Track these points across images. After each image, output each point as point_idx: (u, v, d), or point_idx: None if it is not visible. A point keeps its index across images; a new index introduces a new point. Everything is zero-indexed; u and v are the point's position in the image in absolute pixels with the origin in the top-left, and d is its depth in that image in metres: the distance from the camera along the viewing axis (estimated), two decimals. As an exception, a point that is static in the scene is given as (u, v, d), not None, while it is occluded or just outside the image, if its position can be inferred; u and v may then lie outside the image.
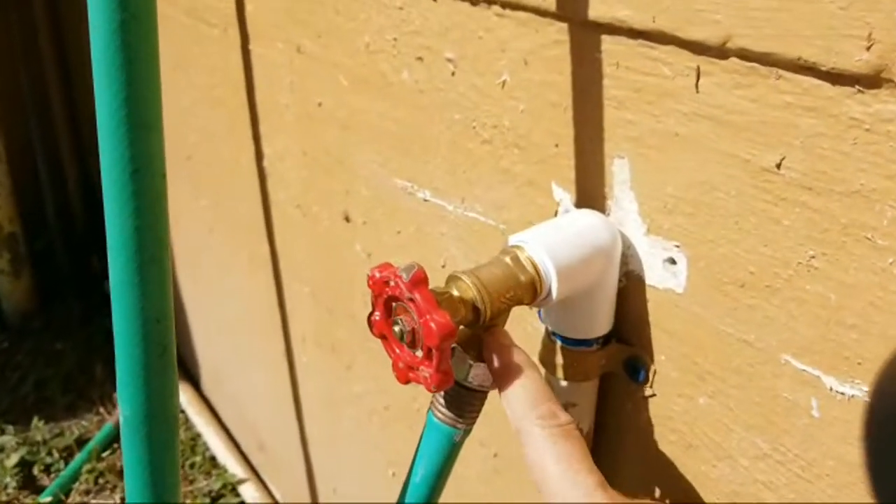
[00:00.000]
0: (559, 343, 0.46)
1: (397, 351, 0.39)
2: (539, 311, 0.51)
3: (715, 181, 0.38)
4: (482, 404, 0.42)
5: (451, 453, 0.42)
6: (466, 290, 0.39)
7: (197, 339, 1.58)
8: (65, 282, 2.01)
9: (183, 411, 1.60)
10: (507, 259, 0.41)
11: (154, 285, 0.33)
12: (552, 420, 0.34)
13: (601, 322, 0.45)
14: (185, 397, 1.61)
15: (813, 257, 0.35)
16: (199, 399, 1.61)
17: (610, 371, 0.48)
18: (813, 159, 0.33)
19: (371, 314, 0.40)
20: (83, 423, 1.67)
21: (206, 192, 1.23)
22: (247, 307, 1.21)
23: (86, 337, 1.88)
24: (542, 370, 0.48)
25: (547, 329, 0.47)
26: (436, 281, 0.38)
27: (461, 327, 0.39)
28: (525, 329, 0.56)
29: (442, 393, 0.41)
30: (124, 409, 0.34)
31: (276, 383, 1.17)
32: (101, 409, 1.69)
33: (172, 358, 0.35)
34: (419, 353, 0.38)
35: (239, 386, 1.40)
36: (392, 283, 0.37)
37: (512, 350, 0.37)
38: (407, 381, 0.39)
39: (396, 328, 0.38)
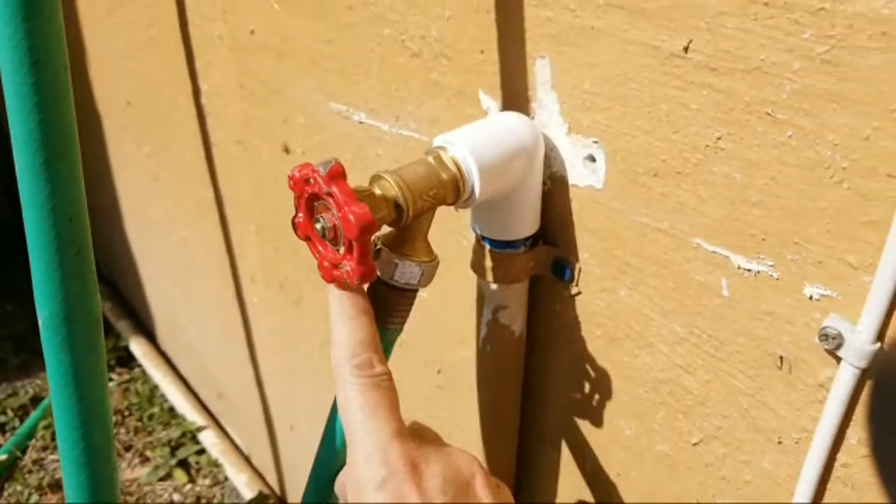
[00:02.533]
0: (488, 247, 0.47)
1: (321, 250, 0.39)
2: (471, 222, 0.51)
3: (629, 72, 0.39)
4: (411, 304, 0.43)
5: (385, 352, 0.43)
6: (389, 188, 0.39)
7: (149, 292, 1.57)
8: (11, 242, 1.96)
9: (139, 364, 1.59)
10: (430, 159, 0.41)
11: (64, 182, 0.33)
12: (367, 370, 0.34)
13: (527, 223, 0.46)
14: (141, 350, 1.60)
15: (719, 138, 0.36)
16: (156, 351, 1.60)
17: (538, 273, 0.49)
18: (717, 39, 0.34)
19: (294, 216, 0.40)
20: (37, 381, 1.65)
21: (148, 138, 1.20)
22: (196, 253, 1.20)
23: (36, 296, 1.85)
24: (474, 274, 0.49)
25: (476, 234, 0.48)
26: None
27: (385, 226, 0.40)
28: (460, 243, 0.57)
29: (372, 294, 0.42)
30: (42, 311, 0.34)
31: (229, 327, 1.17)
32: (56, 367, 1.68)
33: (89, 257, 0.35)
34: (341, 251, 0.38)
35: (194, 335, 1.39)
36: (311, 181, 0.37)
37: (350, 294, 0.38)
38: (332, 280, 0.39)
39: (318, 225, 0.38)
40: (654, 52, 0.37)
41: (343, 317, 0.37)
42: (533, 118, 0.45)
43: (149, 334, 1.65)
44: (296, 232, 0.41)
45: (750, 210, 0.36)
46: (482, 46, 0.47)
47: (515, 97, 0.46)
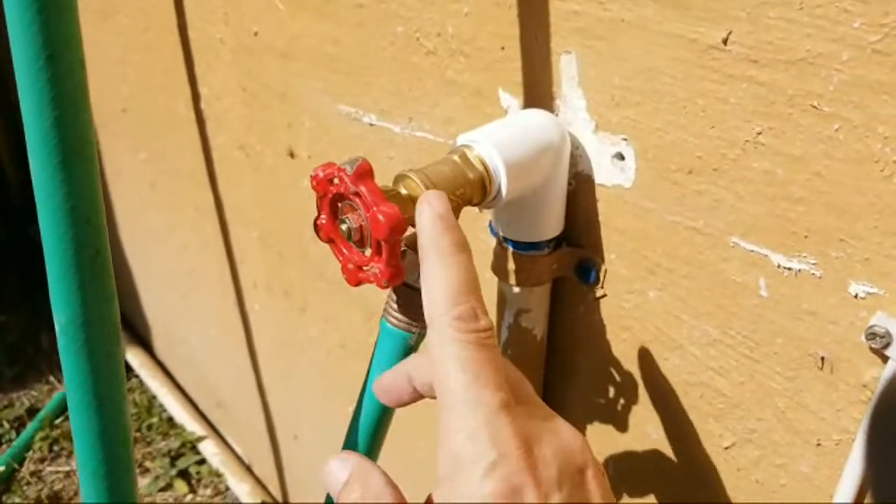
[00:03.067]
0: (511, 249, 0.46)
1: (346, 252, 0.38)
2: (490, 224, 0.50)
3: (661, 66, 0.37)
4: None
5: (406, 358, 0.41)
6: (415, 188, 0.38)
7: (146, 301, 1.54)
8: (4, 254, 1.94)
9: (137, 375, 1.57)
10: (456, 157, 0.40)
11: (81, 183, 0.31)
12: (471, 323, 0.29)
13: (551, 224, 0.45)
14: (138, 361, 1.57)
15: (759, 133, 0.35)
16: (153, 362, 1.58)
17: (561, 275, 0.47)
18: (759, 30, 0.33)
19: (317, 218, 0.39)
20: (33, 393, 1.62)
21: (145, 145, 1.18)
22: (195, 261, 1.18)
23: (30, 308, 1.82)
24: (494, 277, 0.48)
25: (498, 236, 0.47)
26: None
27: (410, 227, 0.39)
28: (477, 246, 0.55)
29: (395, 298, 0.41)
30: (59, 317, 0.33)
31: (230, 335, 1.15)
32: (52, 378, 1.65)
33: (107, 260, 0.33)
34: (368, 252, 0.37)
35: (193, 344, 1.37)
36: (336, 181, 0.36)
37: (446, 223, 0.31)
38: (357, 283, 0.38)
39: (344, 227, 0.37)
40: (689, 45, 0.36)
41: (440, 253, 0.30)
42: (557, 115, 0.44)
43: (146, 344, 1.62)
44: (318, 234, 0.39)
45: (792, 207, 0.35)
46: (503, 42, 0.46)
47: (538, 95, 0.45)
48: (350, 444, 0.45)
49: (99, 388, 0.34)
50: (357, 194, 0.35)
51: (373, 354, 0.42)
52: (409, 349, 0.41)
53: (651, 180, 0.40)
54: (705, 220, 0.39)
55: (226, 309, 1.12)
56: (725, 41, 0.34)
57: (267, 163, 0.83)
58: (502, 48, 0.46)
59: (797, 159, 0.34)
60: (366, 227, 0.36)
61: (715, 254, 0.39)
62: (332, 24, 0.60)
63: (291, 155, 0.77)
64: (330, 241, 0.39)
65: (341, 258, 0.38)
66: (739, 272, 0.38)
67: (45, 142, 0.30)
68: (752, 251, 0.37)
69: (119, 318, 0.35)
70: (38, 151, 0.30)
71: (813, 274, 0.35)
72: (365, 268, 0.37)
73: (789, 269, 0.36)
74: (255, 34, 0.73)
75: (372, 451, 0.44)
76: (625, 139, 0.41)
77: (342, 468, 0.30)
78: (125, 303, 1.70)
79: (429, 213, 0.31)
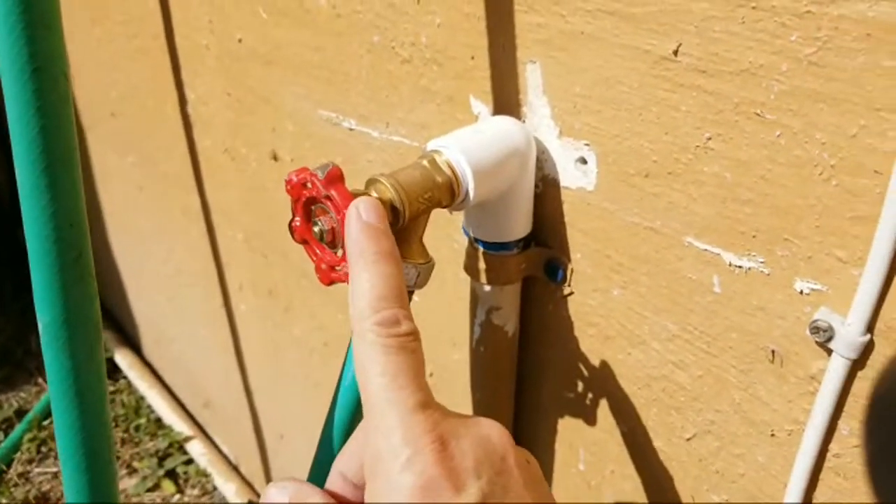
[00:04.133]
0: (481, 249, 0.48)
1: (319, 253, 0.40)
2: (463, 225, 0.52)
3: (619, 76, 0.39)
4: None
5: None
6: (385, 191, 0.40)
7: (134, 303, 1.56)
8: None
9: (125, 376, 1.58)
10: (425, 162, 0.42)
11: (65, 188, 0.33)
12: (392, 328, 0.29)
13: (520, 225, 0.47)
14: (127, 362, 1.58)
15: (709, 139, 0.37)
16: (141, 362, 1.59)
17: (531, 275, 0.49)
18: (706, 42, 0.35)
19: (291, 220, 0.40)
20: (21, 394, 1.63)
21: (133, 148, 1.20)
22: (182, 263, 1.19)
23: (19, 310, 1.82)
24: (467, 276, 0.50)
25: (469, 237, 0.49)
26: None
27: None
28: (451, 246, 0.57)
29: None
30: (43, 317, 0.34)
31: (216, 337, 1.17)
32: (40, 380, 1.66)
33: (89, 262, 0.35)
34: (340, 253, 0.38)
35: (181, 345, 1.38)
36: (309, 185, 0.38)
37: (373, 231, 0.32)
38: (330, 282, 0.40)
39: (316, 228, 0.38)
40: (644, 56, 0.38)
41: (364, 259, 0.31)
42: (524, 122, 0.46)
43: (133, 345, 1.63)
44: (293, 236, 0.41)
45: (740, 208, 0.37)
46: (472, 52, 0.48)
47: (506, 102, 0.47)
48: (325, 443, 0.46)
49: (80, 385, 0.35)
50: (328, 198, 0.37)
51: (347, 351, 0.44)
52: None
53: (612, 183, 0.42)
54: (662, 221, 0.41)
55: (212, 310, 1.14)
56: (676, 52, 0.36)
57: (252, 166, 0.85)
58: (472, 58, 0.48)
59: (744, 163, 0.36)
60: (337, 229, 0.37)
61: (671, 253, 0.41)
62: (312, 32, 0.62)
63: (275, 158, 0.79)
64: (304, 242, 0.41)
65: (315, 258, 0.40)
66: (694, 270, 0.40)
67: (31, 149, 0.32)
68: (706, 250, 0.39)
69: (100, 318, 0.37)
70: (23, 158, 0.32)
71: (762, 272, 0.37)
72: (337, 268, 0.39)
73: (740, 266, 0.38)
74: (240, 41, 0.75)
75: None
76: (587, 144, 0.43)
77: (281, 494, 0.30)
78: (114, 304, 1.70)
79: (356, 221, 0.32)
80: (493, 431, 0.29)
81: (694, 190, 0.38)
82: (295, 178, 0.38)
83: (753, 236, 0.37)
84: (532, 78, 0.44)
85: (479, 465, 0.28)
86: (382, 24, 0.54)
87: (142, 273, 1.43)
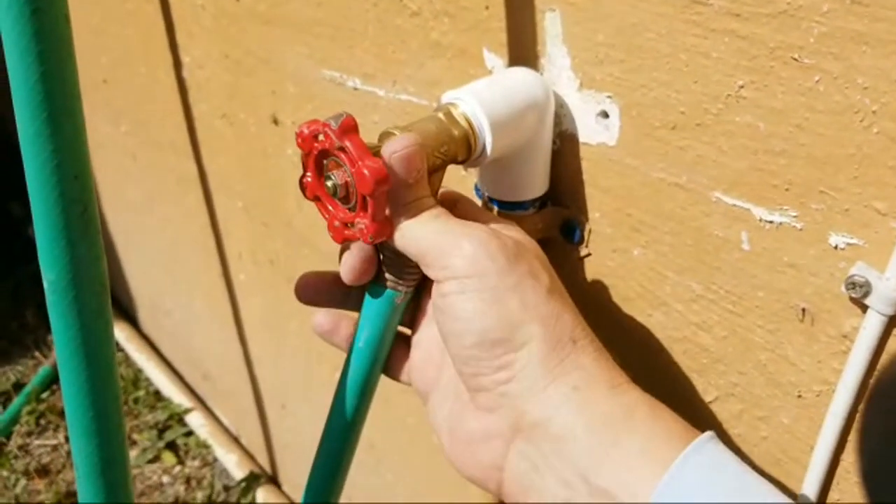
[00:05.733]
0: (496, 209, 0.46)
1: (331, 209, 0.38)
2: (476, 186, 0.50)
3: (645, 22, 0.38)
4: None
5: (392, 316, 0.42)
6: (399, 145, 0.38)
7: (130, 276, 1.54)
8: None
9: (122, 349, 1.56)
10: (441, 115, 0.40)
11: (68, 138, 0.31)
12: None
13: (536, 184, 0.45)
14: (124, 335, 1.57)
15: (742, 87, 0.35)
16: (139, 336, 1.58)
17: (547, 236, 0.48)
18: (740, -17, 0.33)
19: (302, 176, 0.39)
20: (19, 368, 1.62)
21: (126, 116, 1.17)
22: (179, 233, 1.17)
23: (13, 284, 1.80)
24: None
25: (484, 197, 0.47)
26: None
27: None
28: (463, 209, 0.56)
29: (380, 257, 0.41)
30: (48, 274, 0.32)
31: (215, 308, 1.15)
32: (37, 354, 1.64)
33: (94, 218, 0.33)
34: (353, 209, 0.37)
35: (178, 317, 1.37)
36: (321, 137, 0.36)
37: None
38: (343, 240, 0.38)
39: (329, 183, 0.37)
40: (672, 0, 0.36)
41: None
42: (542, 74, 0.44)
43: (130, 318, 1.62)
44: (303, 192, 0.39)
45: (773, 160, 0.35)
46: (487, 2, 0.46)
47: (523, 54, 0.45)
48: (337, 406, 0.45)
49: (88, 346, 0.34)
50: (342, 149, 0.35)
51: (360, 313, 0.42)
52: (395, 307, 0.41)
53: (635, 137, 0.41)
54: (688, 176, 0.39)
55: (211, 281, 1.12)
56: (709, -6, 0.34)
57: (250, 131, 0.82)
58: (487, 7, 0.46)
59: (779, 112, 0.34)
60: (351, 183, 0.36)
61: (698, 209, 0.39)
62: (315, -14, 0.60)
63: (275, 122, 0.77)
64: (316, 198, 0.39)
65: (327, 216, 0.38)
66: (722, 227, 0.39)
67: (32, 97, 0.30)
68: (735, 205, 0.38)
69: (107, 277, 0.35)
70: (24, 107, 0.30)
71: (794, 226, 0.36)
72: (351, 224, 0.37)
73: (770, 222, 0.37)
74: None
75: (359, 413, 0.45)
76: (609, 97, 0.41)
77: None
78: (109, 276, 1.69)
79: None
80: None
81: (724, 142, 0.37)
82: (306, 130, 0.36)
83: (786, 189, 0.35)
84: (551, 27, 0.42)
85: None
86: (390, -25, 0.52)
87: (137, 244, 1.41)
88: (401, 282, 0.41)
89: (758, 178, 0.36)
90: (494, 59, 0.47)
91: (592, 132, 0.43)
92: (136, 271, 1.49)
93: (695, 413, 0.46)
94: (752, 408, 0.42)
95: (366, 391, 0.45)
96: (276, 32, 0.68)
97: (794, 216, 0.36)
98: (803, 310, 0.37)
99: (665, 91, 0.38)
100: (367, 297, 0.42)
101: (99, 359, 0.34)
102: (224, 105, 0.85)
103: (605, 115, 0.42)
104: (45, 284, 0.32)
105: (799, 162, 0.34)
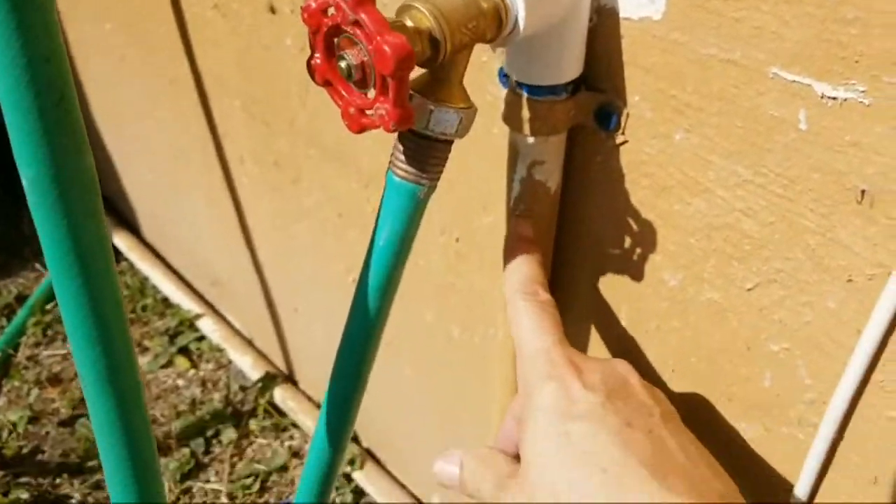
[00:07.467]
0: (525, 95, 0.43)
1: (345, 95, 0.34)
2: (500, 72, 0.47)
3: None
4: (446, 156, 0.39)
5: (415, 213, 0.39)
6: (422, 19, 0.34)
7: (128, 183, 1.50)
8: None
9: (126, 258, 1.55)
10: (469, -13, 0.36)
11: (34, 15, 0.27)
12: (534, 297, 0.41)
13: (571, 66, 0.42)
14: (126, 244, 1.55)
15: (810, -55, 0.31)
16: (142, 245, 1.56)
17: (579, 123, 0.45)
18: None
19: (310, 58, 0.35)
20: (20, 280, 1.61)
21: (110, 14, 1.10)
22: (175, 137, 1.13)
23: (10, 202, 1.77)
24: (500, 132, 0.45)
25: (511, 82, 0.44)
26: None
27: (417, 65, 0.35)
28: (484, 98, 0.52)
29: (401, 148, 0.38)
30: (27, 171, 0.29)
31: (219, 213, 1.13)
32: (38, 266, 1.63)
33: (73, 108, 0.29)
34: (371, 93, 0.33)
35: (182, 225, 1.35)
36: (332, 11, 0.32)
37: (524, 223, 0.46)
38: (361, 129, 0.35)
39: (342, 64, 0.33)
40: None
41: (516, 246, 0.44)
42: (575, -57, 0.40)
43: (132, 227, 1.59)
44: (312, 76, 0.35)
45: (843, 29, 0.32)
46: None
47: (553, -80, 0.41)
48: (358, 307, 0.43)
49: (81, 248, 0.31)
50: (357, 24, 0.31)
51: (379, 210, 0.40)
52: (418, 203, 0.39)
53: (684, 10, 0.37)
54: (743, 51, 0.36)
55: (213, 186, 1.09)
56: None
57: (246, 22, 0.77)
58: None
59: (853, -27, 0.31)
60: (368, 63, 0.32)
61: (752, 87, 0.37)
62: None
63: (272, 10, 0.72)
64: (326, 83, 0.35)
65: (341, 102, 0.35)
66: (777, 105, 0.36)
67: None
68: (794, 81, 0.35)
69: (95, 173, 0.32)
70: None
71: (861, 102, 0.33)
72: (369, 111, 0.34)
73: (834, 98, 0.34)
74: None
75: (380, 315, 0.43)
76: (653, -36, 0.37)
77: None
78: (106, 186, 1.65)
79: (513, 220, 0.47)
80: (620, 364, 0.40)
81: (787, 10, 0.33)
82: (314, 4, 0.32)
83: (856, 61, 0.32)
84: None
85: (605, 378, 0.37)
86: None
87: (133, 151, 1.37)
88: (424, 175, 0.38)
89: (823, 50, 0.33)
90: (520, -72, 0.43)
91: (635, 5, 0.39)
92: (134, 179, 1.45)
93: (731, 301, 0.45)
94: (796, 293, 0.41)
95: (387, 292, 0.42)
96: None
97: (863, 91, 0.33)
98: (863, 191, 0.35)
99: (719, -46, 0.34)
100: (387, 192, 0.39)
101: (94, 260, 0.32)
102: (215, -5, 0.80)
103: (649, -15, 0.38)
104: (25, 184, 0.30)
105: (875, 31, 0.31)
